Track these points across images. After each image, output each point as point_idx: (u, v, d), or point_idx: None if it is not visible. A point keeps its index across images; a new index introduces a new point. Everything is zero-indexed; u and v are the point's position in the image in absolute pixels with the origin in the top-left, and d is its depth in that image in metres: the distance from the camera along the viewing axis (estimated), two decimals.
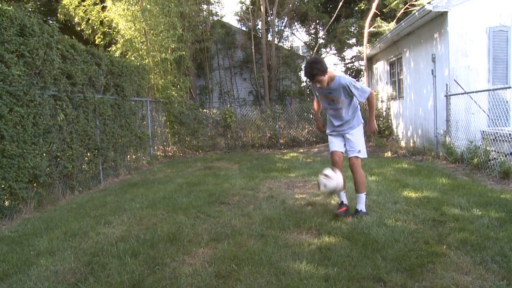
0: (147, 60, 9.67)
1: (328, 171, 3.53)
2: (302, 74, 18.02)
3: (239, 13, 17.18)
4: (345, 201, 3.86)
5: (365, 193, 3.78)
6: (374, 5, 12.22)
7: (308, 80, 3.46)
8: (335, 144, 3.82)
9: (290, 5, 16.41)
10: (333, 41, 17.18)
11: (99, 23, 10.55)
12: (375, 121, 3.75)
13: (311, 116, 11.64)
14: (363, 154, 3.76)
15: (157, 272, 2.63)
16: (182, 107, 10.48)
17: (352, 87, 3.47)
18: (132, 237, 3.32)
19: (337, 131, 3.82)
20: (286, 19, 17.55)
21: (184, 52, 10.78)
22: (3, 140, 4.18)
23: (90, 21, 10.65)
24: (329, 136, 3.93)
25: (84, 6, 10.49)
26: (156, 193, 5.15)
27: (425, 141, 8.25)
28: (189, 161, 8.99)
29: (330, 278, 2.42)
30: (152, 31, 9.75)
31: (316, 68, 3.27)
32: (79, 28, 11.05)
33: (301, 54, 19.48)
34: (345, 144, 3.81)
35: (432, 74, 7.62)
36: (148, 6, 9.34)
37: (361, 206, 3.74)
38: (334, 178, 3.47)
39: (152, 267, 2.71)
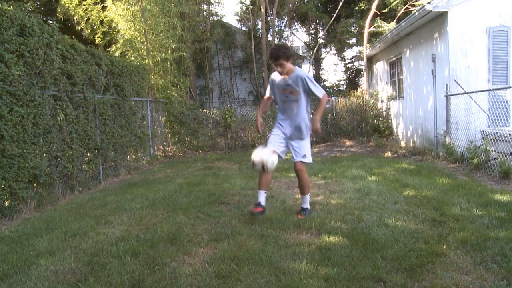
0: (147, 60, 9.67)
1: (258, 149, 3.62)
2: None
3: (239, 13, 17.19)
4: (263, 202, 3.68)
5: (309, 194, 3.90)
6: (374, 5, 12.23)
7: (271, 62, 3.60)
8: (275, 144, 3.74)
9: (290, 5, 16.41)
10: (333, 41, 17.18)
11: (99, 22, 10.55)
12: (320, 120, 3.74)
13: (311, 116, 11.62)
14: (309, 159, 3.78)
15: (157, 272, 2.63)
16: (182, 107, 10.47)
17: (308, 80, 3.61)
18: (132, 237, 3.32)
19: (286, 134, 3.80)
20: (286, 19, 17.55)
21: (184, 52, 10.78)
22: (3, 140, 4.18)
23: (90, 21, 10.65)
24: (274, 130, 3.86)
25: (84, 5, 10.49)
26: (156, 193, 5.15)
27: (425, 141, 8.25)
28: (189, 161, 8.99)
29: (330, 278, 2.42)
30: (152, 31, 9.75)
31: (282, 51, 3.49)
32: (78, 28, 11.04)
33: (301, 54, 19.48)
34: (287, 146, 3.82)
35: (432, 74, 7.62)
36: (148, 6, 9.34)
37: (307, 205, 3.87)
38: (259, 153, 3.56)
39: (152, 267, 2.71)
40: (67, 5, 10.49)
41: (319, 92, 3.68)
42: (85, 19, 10.64)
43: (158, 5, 9.67)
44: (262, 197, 3.71)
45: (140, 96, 8.44)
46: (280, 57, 3.48)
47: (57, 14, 10.95)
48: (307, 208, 3.86)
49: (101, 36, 10.82)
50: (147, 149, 8.80)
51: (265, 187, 3.72)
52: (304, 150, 3.74)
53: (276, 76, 3.76)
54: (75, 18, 10.75)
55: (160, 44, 9.94)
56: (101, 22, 10.57)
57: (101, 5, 10.46)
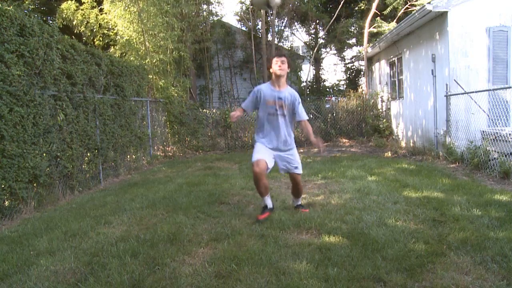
0: (146, 61, 9.67)
1: None
2: (302, 74, 18.04)
3: (239, 13, 17.19)
4: (270, 205, 3.77)
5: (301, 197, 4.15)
6: (374, 5, 12.23)
7: (276, 57, 3.76)
8: (263, 154, 3.66)
9: (290, 5, 16.40)
10: (333, 41, 17.18)
11: (98, 26, 10.52)
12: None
13: (311, 116, 11.63)
14: (300, 169, 3.91)
15: (157, 272, 2.63)
16: (182, 107, 10.46)
17: (299, 102, 3.83)
18: (132, 237, 3.32)
19: (273, 148, 3.78)
20: (286, 19, 17.55)
21: (184, 52, 10.75)
22: (3, 140, 4.18)
23: (88, 24, 10.61)
24: (257, 143, 3.81)
25: (82, 9, 10.46)
26: (156, 193, 5.15)
27: (425, 141, 8.25)
28: (189, 161, 8.99)
29: (330, 278, 2.42)
30: (150, 32, 9.73)
31: (287, 56, 3.80)
32: (77, 30, 11.01)
33: (301, 54, 19.49)
34: (274, 158, 3.78)
35: (432, 74, 7.63)
36: (145, 7, 9.31)
37: (299, 203, 4.12)
38: None
39: (152, 267, 2.71)
40: (66, 11, 10.45)
41: (303, 115, 3.87)
42: (84, 23, 10.60)
43: (156, 6, 9.65)
44: (268, 200, 3.78)
45: (140, 96, 8.44)
46: (285, 56, 3.76)
47: (56, 19, 10.91)
48: (302, 205, 4.13)
49: (101, 38, 10.78)
50: (147, 149, 8.80)
51: (266, 192, 3.71)
52: (296, 162, 3.85)
53: (265, 88, 3.78)
54: (74, 22, 10.71)
55: (159, 44, 9.92)
56: (100, 25, 10.52)
57: (99, 8, 10.42)
